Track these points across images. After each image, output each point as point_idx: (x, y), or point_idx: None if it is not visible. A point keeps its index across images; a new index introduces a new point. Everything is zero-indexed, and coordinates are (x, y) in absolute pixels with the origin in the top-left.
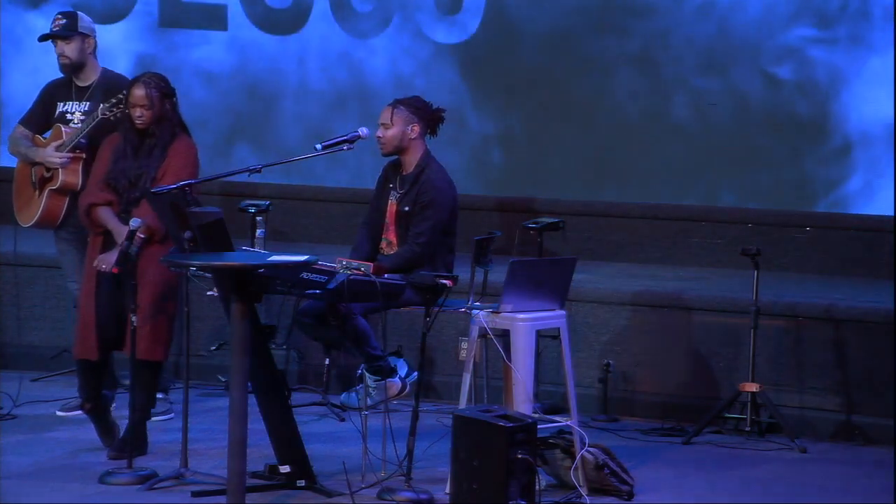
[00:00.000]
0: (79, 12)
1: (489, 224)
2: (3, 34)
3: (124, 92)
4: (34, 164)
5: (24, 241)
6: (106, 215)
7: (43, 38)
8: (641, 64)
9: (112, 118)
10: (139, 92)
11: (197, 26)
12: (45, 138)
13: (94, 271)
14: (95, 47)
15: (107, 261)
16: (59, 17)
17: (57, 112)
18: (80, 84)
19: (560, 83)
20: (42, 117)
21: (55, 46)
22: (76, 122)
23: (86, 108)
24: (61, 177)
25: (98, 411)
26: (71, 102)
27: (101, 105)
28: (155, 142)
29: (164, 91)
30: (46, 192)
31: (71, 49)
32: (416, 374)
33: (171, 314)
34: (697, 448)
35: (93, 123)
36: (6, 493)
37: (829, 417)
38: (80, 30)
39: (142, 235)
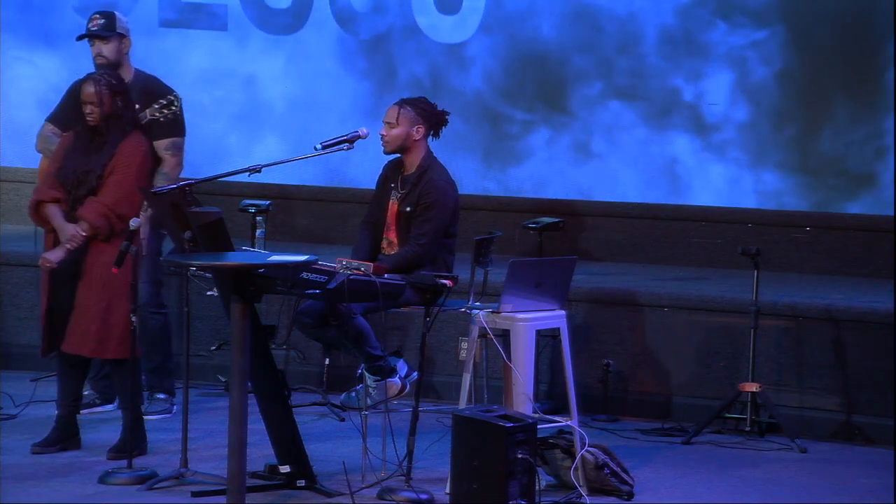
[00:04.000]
0: (116, 12)
1: (489, 224)
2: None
3: (174, 94)
4: None
5: (24, 240)
6: (52, 213)
7: (82, 38)
8: (641, 63)
9: (162, 119)
10: (89, 89)
11: (197, 26)
12: None
13: (50, 270)
14: (130, 47)
15: (53, 256)
16: (97, 16)
17: None
18: None
19: (560, 83)
20: (71, 116)
21: (91, 46)
22: None
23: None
24: None
25: (67, 416)
26: None
27: (152, 106)
28: (105, 139)
29: (114, 89)
30: None
31: (109, 49)
32: (416, 374)
33: (125, 311)
34: (697, 448)
35: (140, 124)
36: (6, 493)
37: (829, 417)
38: (118, 30)
39: (83, 233)
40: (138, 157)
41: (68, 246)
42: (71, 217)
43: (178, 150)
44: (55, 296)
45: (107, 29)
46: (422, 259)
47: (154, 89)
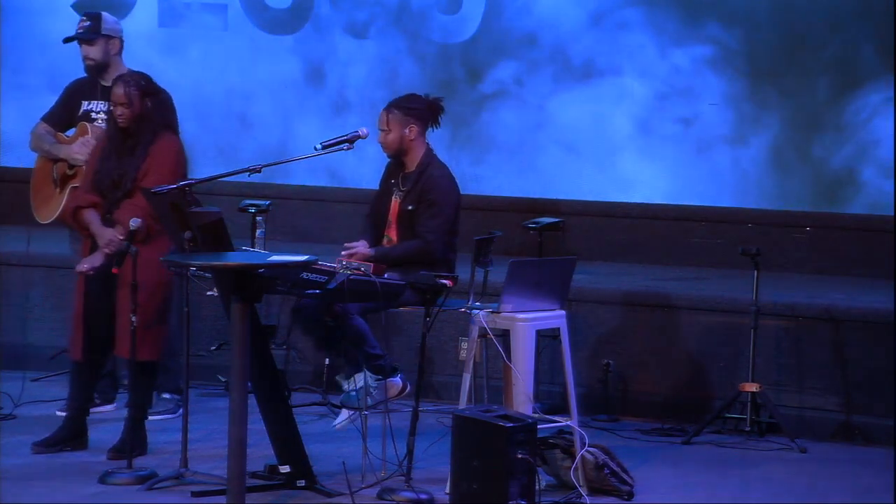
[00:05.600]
0: (103, 14)
1: (489, 224)
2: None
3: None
4: (56, 160)
5: (24, 241)
6: (90, 218)
7: (68, 40)
8: (640, 61)
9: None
10: (118, 90)
11: (197, 26)
12: (67, 136)
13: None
14: (121, 48)
15: (90, 262)
16: (84, 19)
17: (81, 110)
18: (105, 84)
19: (558, 82)
20: (65, 115)
21: (80, 48)
22: (100, 121)
23: (110, 108)
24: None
25: (76, 418)
26: (96, 101)
27: None
28: (136, 141)
29: (143, 89)
30: (68, 189)
31: (95, 51)
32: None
33: (159, 314)
34: (697, 448)
35: (172, 125)
36: (6, 493)
37: (829, 417)
38: (104, 32)
39: (121, 237)
40: (171, 158)
41: (106, 250)
42: (107, 221)
43: None
44: (89, 300)
45: (92, 31)
46: (429, 254)
47: None
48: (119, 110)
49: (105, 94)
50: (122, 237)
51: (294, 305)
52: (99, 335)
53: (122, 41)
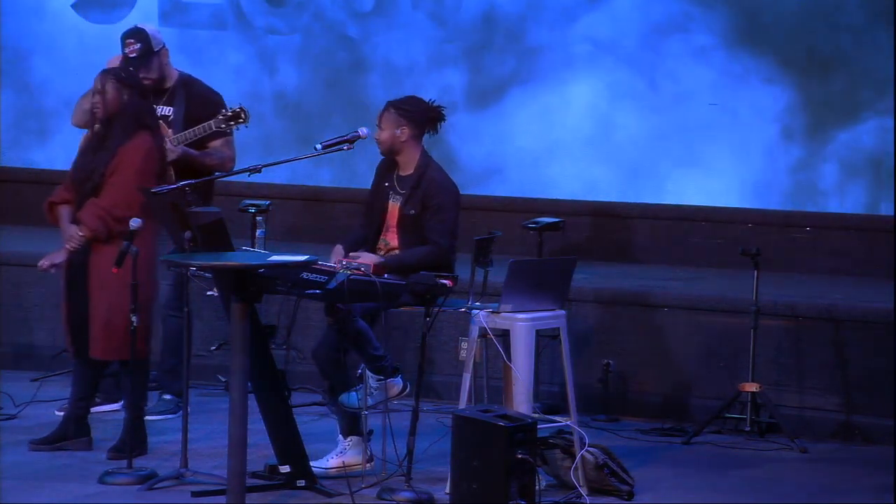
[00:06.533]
0: (146, 29)
1: (489, 224)
2: None
3: (239, 105)
4: None
5: (24, 241)
6: (60, 214)
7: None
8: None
9: (228, 131)
10: (96, 79)
11: (197, 26)
12: None
13: (66, 272)
14: (168, 55)
15: (50, 259)
16: (131, 41)
17: None
18: (160, 87)
19: (557, 81)
20: None
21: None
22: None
23: (165, 112)
24: None
25: (73, 417)
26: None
27: (217, 117)
28: (109, 137)
29: (123, 83)
30: None
31: (153, 72)
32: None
33: (144, 313)
34: (697, 448)
35: (203, 134)
36: (6, 493)
37: (829, 417)
38: (153, 47)
39: (81, 234)
40: (138, 157)
41: (67, 247)
42: (77, 217)
43: (228, 145)
44: (70, 299)
45: (144, 54)
46: (443, 258)
47: (210, 99)
48: (96, 98)
49: (157, 98)
50: (82, 234)
51: (312, 350)
52: (84, 334)
53: (167, 49)
